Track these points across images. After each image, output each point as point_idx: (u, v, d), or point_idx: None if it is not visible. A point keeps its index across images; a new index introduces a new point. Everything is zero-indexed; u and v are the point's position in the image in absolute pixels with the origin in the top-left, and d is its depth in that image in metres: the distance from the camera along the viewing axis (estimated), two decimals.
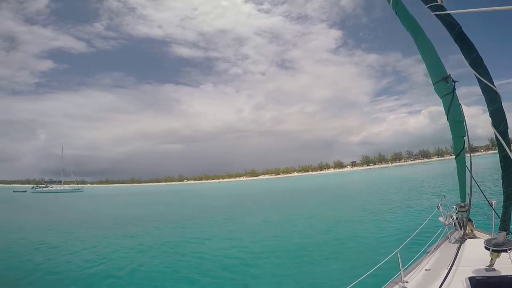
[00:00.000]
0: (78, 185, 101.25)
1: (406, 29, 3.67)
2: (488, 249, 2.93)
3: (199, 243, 12.25)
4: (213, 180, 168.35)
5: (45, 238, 14.65)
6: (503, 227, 2.88)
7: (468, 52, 2.73)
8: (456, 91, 3.72)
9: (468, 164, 4.19)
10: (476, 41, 2.77)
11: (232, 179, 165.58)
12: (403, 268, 3.29)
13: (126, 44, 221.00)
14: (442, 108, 3.92)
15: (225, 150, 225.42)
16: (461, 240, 3.51)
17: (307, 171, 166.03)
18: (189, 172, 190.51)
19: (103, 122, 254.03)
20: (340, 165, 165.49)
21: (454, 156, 4.49)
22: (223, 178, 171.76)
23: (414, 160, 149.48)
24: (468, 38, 2.77)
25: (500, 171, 2.79)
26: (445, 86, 3.71)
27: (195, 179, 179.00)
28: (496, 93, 2.64)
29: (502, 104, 2.66)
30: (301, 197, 32.68)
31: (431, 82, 3.80)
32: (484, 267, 3.05)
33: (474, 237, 4.44)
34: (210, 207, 28.74)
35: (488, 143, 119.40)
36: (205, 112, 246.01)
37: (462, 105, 3.83)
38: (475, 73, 2.68)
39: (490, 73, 2.68)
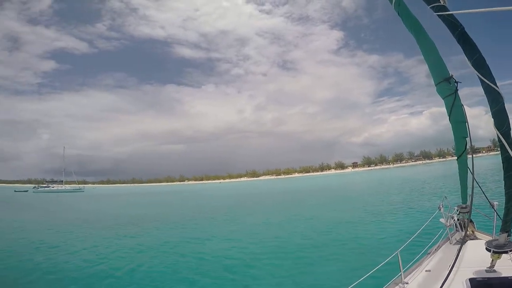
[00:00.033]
0: (79, 185, 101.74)
1: (408, 29, 3.65)
2: (489, 251, 2.92)
3: (199, 244, 12.25)
4: (214, 181, 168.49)
5: (45, 237, 14.69)
6: (504, 228, 2.87)
7: (471, 53, 2.71)
8: (458, 91, 3.70)
9: (470, 165, 4.17)
10: (479, 41, 2.75)
11: (233, 180, 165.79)
12: (403, 269, 3.29)
13: (128, 45, 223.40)
14: (443, 109, 3.90)
15: (226, 150, 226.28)
16: (462, 241, 3.50)
17: (308, 172, 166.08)
18: (190, 172, 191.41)
19: (105, 123, 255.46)
20: (341, 166, 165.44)
21: (456, 157, 4.47)
22: (224, 179, 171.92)
23: (415, 161, 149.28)
24: (471, 38, 2.74)
25: (502, 172, 2.77)
26: (447, 87, 3.68)
27: (196, 180, 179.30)
28: (499, 94, 2.62)
29: (505, 105, 2.65)
30: (302, 198, 32.64)
31: (433, 83, 3.77)
32: (485, 268, 3.04)
33: (475, 238, 4.42)
34: (210, 207, 28.74)
35: (490, 144, 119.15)
36: (207, 113, 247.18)
37: (465, 106, 3.82)
38: (478, 73, 2.66)
39: (493, 74, 2.66)
